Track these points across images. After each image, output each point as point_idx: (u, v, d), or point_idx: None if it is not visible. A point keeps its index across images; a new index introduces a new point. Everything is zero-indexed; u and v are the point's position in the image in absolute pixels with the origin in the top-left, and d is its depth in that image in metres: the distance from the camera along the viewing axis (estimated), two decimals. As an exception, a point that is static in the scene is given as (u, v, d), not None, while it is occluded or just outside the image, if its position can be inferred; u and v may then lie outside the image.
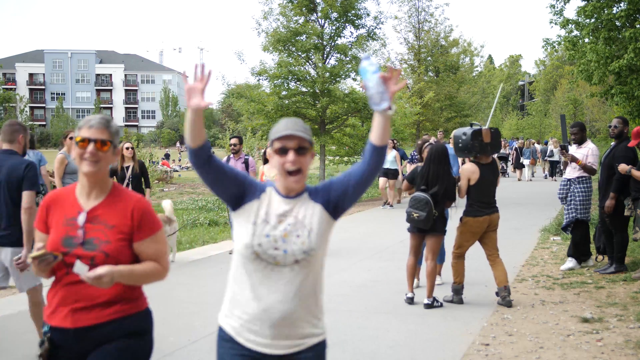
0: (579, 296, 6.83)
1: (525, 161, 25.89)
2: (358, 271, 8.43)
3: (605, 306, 6.38)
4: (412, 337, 5.56)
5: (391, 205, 16.25)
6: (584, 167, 7.91)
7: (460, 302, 6.65)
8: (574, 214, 8.04)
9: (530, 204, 15.31)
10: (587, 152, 7.99)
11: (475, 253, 9.42)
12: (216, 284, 7.85)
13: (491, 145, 6.61)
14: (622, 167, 7.40)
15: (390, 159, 16.13)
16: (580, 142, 8.15)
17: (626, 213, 7.62)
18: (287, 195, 2.56)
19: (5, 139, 5.31)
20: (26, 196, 4.99)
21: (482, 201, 6.57)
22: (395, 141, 17.26)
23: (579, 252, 8.17)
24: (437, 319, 6.08)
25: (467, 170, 6.64)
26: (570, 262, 8.20)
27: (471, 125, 6.76)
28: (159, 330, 5.81)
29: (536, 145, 28.12)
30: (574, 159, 7.95)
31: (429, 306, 6.47)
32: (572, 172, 8.11)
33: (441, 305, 6.57)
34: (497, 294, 6.59)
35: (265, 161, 11.90)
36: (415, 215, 6.41)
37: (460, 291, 6.71)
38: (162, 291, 7.42)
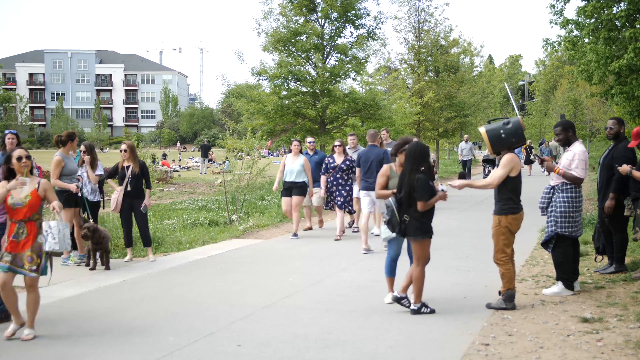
0: (579, 296, 6.83)
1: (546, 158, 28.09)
2: (358, 271, 8.43)
3: (605, 306, 6.38)
4: (412, 337, 5.56)
5: (296, 235, 11.50)
6: (565, 176, 6.75)
7: (514, 308, 6.35)
8: (553, 228, 6.85)
9: (530, 204, 15.27)
10: (572, 156, 6.79)
11: (475, 253, 9.43)
12: (216, 284, 7.86)
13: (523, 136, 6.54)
14: (623, 169, 7.37)
15: (297, 168, 11.57)
16: (566, 143, 7.00)
17: (626, 213, 7.61)
18: None
19: (370, 140, 10.31)
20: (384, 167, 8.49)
21: (517, 196, 6.42)
22: (310, 143, 12.66)
23: (564, 273, 6.91)
24: (437, 319, 6.08)
25: (512, 161, 6.35)
26: (556, 287, 6.95)
27: (489, 122, 6.69)
28: (159, 330, 5.83)
29: (551, 143, 30.27)
30: (549, 168, 6.87)
31: (415, 312, 6.24)
32: (556, 177, 6.89)
33: (432, 312, 6.25)
34: (500, 293, 6.56)
35: None
36: (383, 219, 6.54)
37: (513, 297, 6.38)
38: (162, 291, 7.43)
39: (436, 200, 6.25)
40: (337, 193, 11.35)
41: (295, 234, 11.52)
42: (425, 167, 6.21)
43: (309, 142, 12.64)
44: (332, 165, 11.47)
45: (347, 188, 11.40)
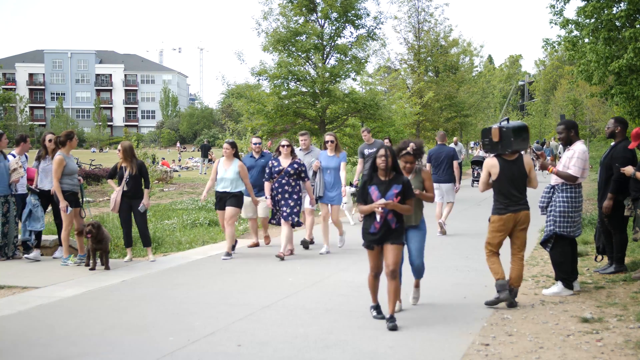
0: (578, 296, 6.83)
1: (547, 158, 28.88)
2: (358, 271, 8.42)
3: (605, 306, 6.38)
4: (412, 337, 5.56)
5: (229, 254, 9.49)
6: (558, 174, 6.79)
7: (507, 298, 6.33)
8: (552, 227, 6.90)
9: (529, 204, 15.27)
10: (572, 154, 6.81)
11: (475, 253, 9.43)
12: (216, 284, 7.86)
13: (502, 145, 6.46)
14: (628, 170, 7.35)
15: (231, 176, 9.61)
16: (567, 143, 7.02)
17: (626, 213, 7.61)
18: None
19: (440, 140, 12.22)
20: (456, 164, 11.86)
21: (504, 197, 6.49)
22: (255, 144, 10.60)
23: (563, 272, 6.92)
24: (437, 319, 6.08)
25: (487, 164, 6.65)
26: (556, 287, 6.95)
27: (500, 122, 6.81)
28: (159, 330, 5.83)
29: (552, 143, 30.86)
30: (543, 166, 6.90)
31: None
32: (556, 177, 6.89)
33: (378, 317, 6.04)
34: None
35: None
36: None
37: (504, 286, 6.37)
38: (162, 291, 7.43)
39: (367, 209, 5.90)
40: (283, 202, 9.36)
41: (228, 254, 9.49)
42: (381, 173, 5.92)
43: (255, 144, 10.56)
44: (276, 169, 9.41)
45: (295, 197, 9.40)
